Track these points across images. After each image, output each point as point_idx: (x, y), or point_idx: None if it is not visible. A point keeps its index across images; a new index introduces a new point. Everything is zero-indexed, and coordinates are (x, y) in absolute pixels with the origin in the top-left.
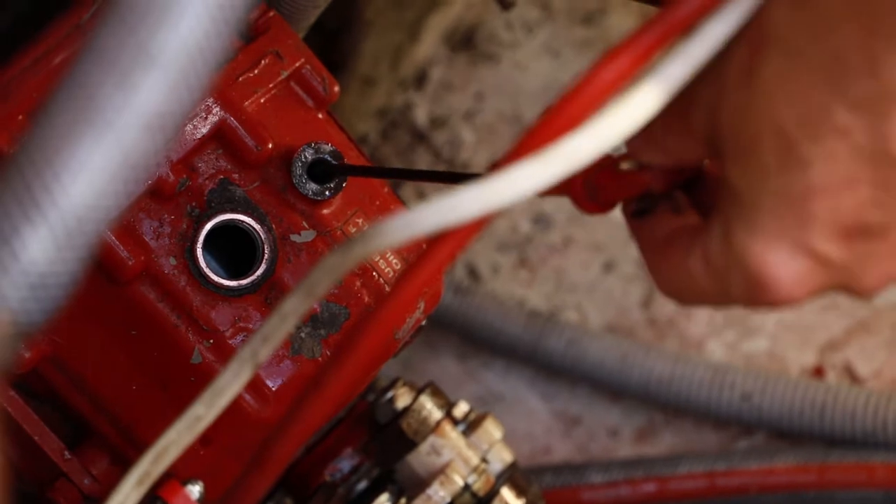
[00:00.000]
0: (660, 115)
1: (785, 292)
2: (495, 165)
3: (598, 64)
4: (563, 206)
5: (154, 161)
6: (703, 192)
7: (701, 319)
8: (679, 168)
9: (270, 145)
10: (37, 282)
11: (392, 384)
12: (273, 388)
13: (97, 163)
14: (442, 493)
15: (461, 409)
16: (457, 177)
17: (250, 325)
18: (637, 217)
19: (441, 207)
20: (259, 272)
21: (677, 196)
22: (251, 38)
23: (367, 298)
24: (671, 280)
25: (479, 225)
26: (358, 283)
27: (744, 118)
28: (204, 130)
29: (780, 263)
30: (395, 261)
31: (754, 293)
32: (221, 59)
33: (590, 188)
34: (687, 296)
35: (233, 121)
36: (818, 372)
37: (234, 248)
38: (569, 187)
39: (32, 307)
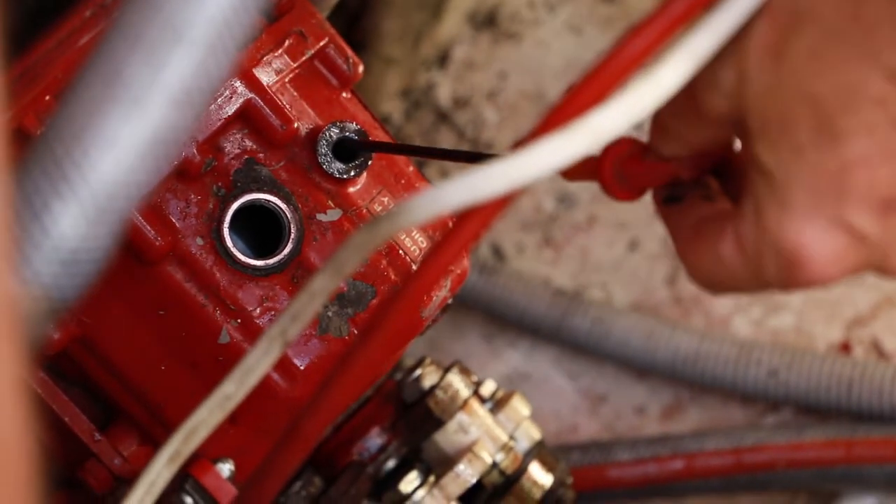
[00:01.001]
0: (669, 107)
1: (819, 270)
2: (520, 143)
3: (622, 40)
4: (587, 185)
5: (182, 137)
6: (732, 177)
7: (727, 298)
8: (704, 155)
9: (296, 125)
10: (68, 258)
11: (419, 363)
12: (301, 367)
13: (126, 139)
14: (470, 471)
15: (488, 387)
16: (482, 156)
17: (277, 305)
18: (667, 204)
19: (467, 184)
20: (285, 252)
21: (707, 182)
22: (275, 17)
23: (393, 277)
24: (703, 268)
25: (505, 202)
26: (384, 262)
27: (774, 97)
28: (229, 110)
29: (816, 240)
30: (420, 239)
31: (789, 273)
32: (247, 36)
33: (619, 175)
34: (719, 283)
35: (258, 100)
36: (845, 347)
37: (260, 228)
38: (598, 173)
39: (64, 283)
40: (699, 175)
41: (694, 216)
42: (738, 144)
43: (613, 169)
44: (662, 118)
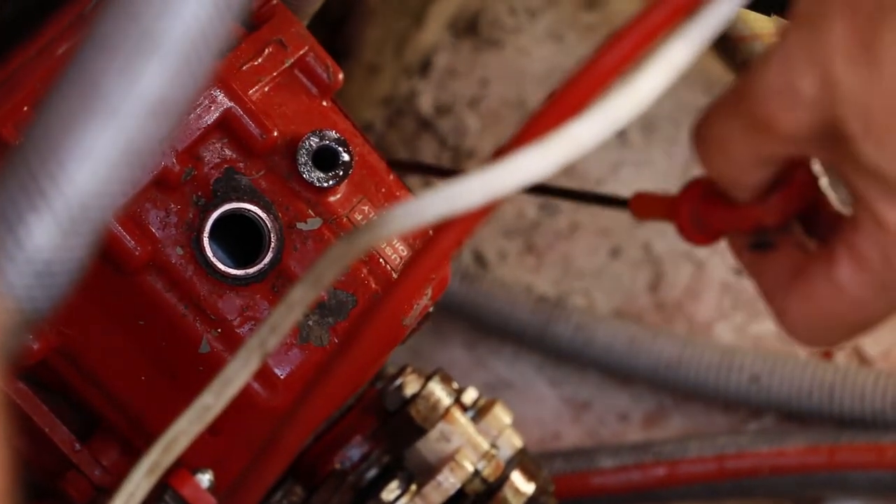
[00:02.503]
0: (734, 146)
1: None
2: (499, 152)
3: (601, 48)
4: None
5: (159, 148)
6: (821, 221)
7: (709, 303)
8: (790, 198)
9: (275, 134)
10: (42, 269)
11: (400, 371)
12: (282, 377)
13: (101, 150)
14: (452, 480)
15: (470, 395)
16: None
17: (258, 314)
18: (755, 251)
19: (446, 195)
20: (266, 261)
21: (793, 228)
22: (254, 26)
23: (374, 285)
24: (810, 316)
25: (485, 212)
26: (365, 271)
27: (873, 93)
28: (208, 120)
29: None
30: (401, 247)
31: None
32: (225, 46)
33: (696, 219)
34: (833, 328)
35: (237, 109)
36: (827, 354)
37: (240, 237)
38: (675, 215)
39: (38, 295)
40: (785, 220)
41: (788, 263)
42: (817, 166)
43: (690, 213)
44: (726, 159)
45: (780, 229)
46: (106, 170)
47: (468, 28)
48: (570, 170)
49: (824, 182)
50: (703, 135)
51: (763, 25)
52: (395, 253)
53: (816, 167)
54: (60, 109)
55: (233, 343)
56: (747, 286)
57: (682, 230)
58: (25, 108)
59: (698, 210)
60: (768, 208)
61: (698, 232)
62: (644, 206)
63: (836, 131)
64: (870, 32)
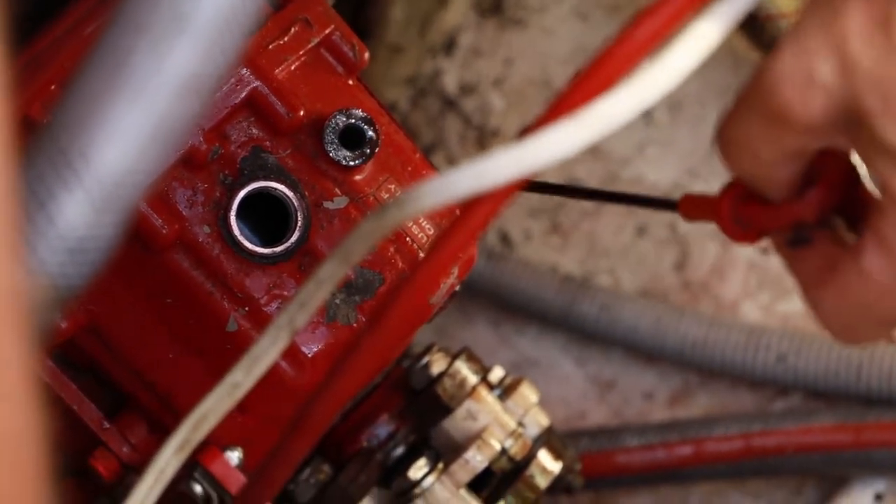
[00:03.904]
0: (755, 144)
1: None
2: (527, 130)
3: (629, 25)
4: (594, 171)
5: (188, 126)
6: (859, 213)
7: (735, 282)
8: (828, 190)
9: (302, 112)
10: (75, 246)
11: (427, 350)
12: (309, 355)
13: (132, 127)
14: (479, 458)
15: (496, 374)
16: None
17: (285, 293)
18: (793, 247)
19: (474, 172)
20: (293, 239)
21: (834, 222)
22: (280, 5)
23: (401, 264)
24: (840, 309)
25: (513, 189)
26: (392, 249)
27: (890, 69)
28: (235, 99)
29: None
30: (428, 226)
31: None
32: (254, 24)
33: (739, 219)
34: (864, 320)
35: (264, 88)
36: None
37: (267, 216)
38: (716, 215)
39: (71, 271)
40: (824, 214)
41: (824, 256)
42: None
43: (731, 211)
44: (751, 160)
45: (820, 224)
46: (136, 147)
47: (493, 7)
48: (595, 149)
49: (864, 172)
50: (724, 138)
51: (789, 4)
52: (422, 232)
53: (854, 158)
54: (90, 87)
55: (260, 321)
56: (774, 265)
57: (725, 230)
58: (53, 88)
59: (739, 210)
60: (805, 204)
61: (741, 231)
62: (692, 208)
63: (855, 114)
64: (886, 11)
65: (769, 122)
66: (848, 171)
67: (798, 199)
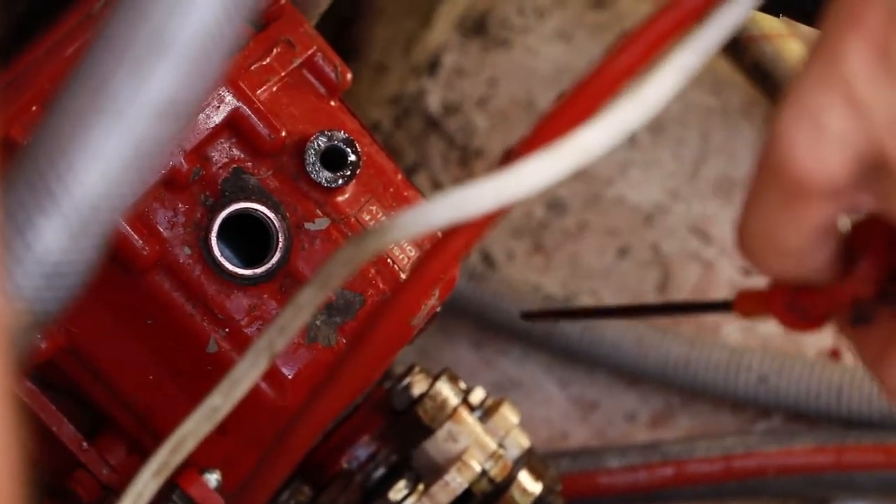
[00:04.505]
0: (775, 237)
1: None
2: (509, 154)
3: (611, 52)
4: (577, 191)
5: (168, 149)
6: None
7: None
8: (880, 260)
9: (283, 133)
10: (51, 271)
11: (408, 371)
12: (289, 377)
13: (110, 151)
14: (459, 480)
15: (477, 395)
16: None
17: (265, 314)
18: (856, 326)
19: (455, 201)
20: (274, 260)
21: (895, 294)
22: (262, 26)
23: (382, 286)
24: None
25: (495, 217)
26: (373, 271)
27: None
28: (217, 119)
29: None
30: (409, 248)
31: None
32: (234, 47)
33: (795, 307)
34: None
35: (245, 109)
36: (834, 354)
37: (248, 237)
38: (769, 308)
39: (47, 296)
40: (880, 287)
41: (886, 332)
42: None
43: (786, 303)
44: (781, 254)
45: (880, 299)
46: (115, 171)
47: (476, 27)
48: (579, 171)
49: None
50: (746, 237)
51: (772, 26)
52: (403, 253)
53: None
54: (70, 110)
55: (240, 343)
56: (755, 286)
57: (783, 323)
58: (34, 108)
59: (793, 300)
60: (857, 280)
61: (802, 321)
62: (747, 305)
63: (877, 163)
64: (885, 41)
65: (788, 201)
66: (890, 233)
67: (848, 276)
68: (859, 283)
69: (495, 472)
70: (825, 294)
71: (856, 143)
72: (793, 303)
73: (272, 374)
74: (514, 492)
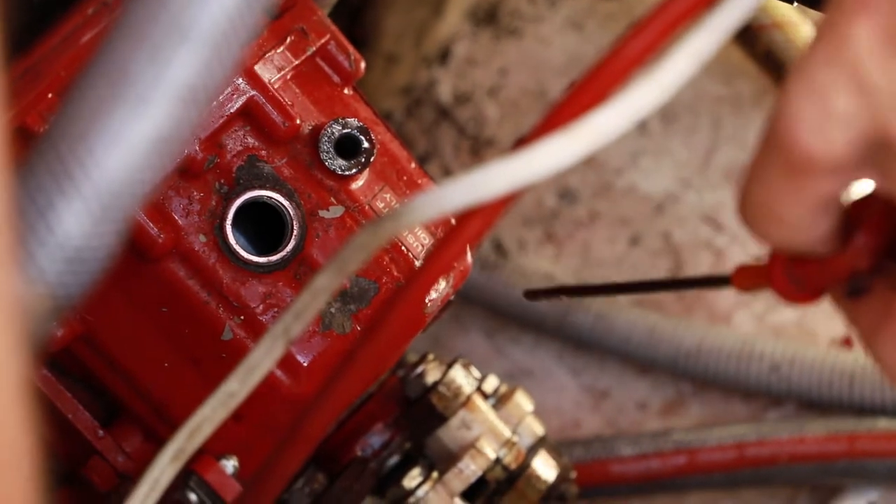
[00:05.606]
0: (778, 207)
1: None
2: (521, 141)
3: (623, 38)
4: (588, 181)
5: (187, 135)
6: None
7: (729, 292)
8: (878, 233)
9: (298, 122)
10: (73, 255)
11: (422, 359)
12: (304, 364)
13: (130, 136)
14: (473, 467)
15: (491, 383)
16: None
17: (280, 301)
18: (851, 297)
19: (469, 184)
20: (288, 248)
21: (890, 268)
22: (277, 14)
23: (396, 273)
24: None
25: (508, 201)
26: (387, 259)
27: None
28: (231, 108)
29: None
30: (423, 235)
31: None
32: (252, 34)
33: (793, 279)
34: None
35: (260, 97)
36: (847, 342)
37: (262, 225)
38: (769, 280)
39: (69, 280)
40: (877, 259)
41: (881, 305)
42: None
43: (785, 274)
44: (782, 225)
45: (876, 271)
46: (135, 156)
47: (488, 17)
48: (588, 159)
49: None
50: (748, 207)
51: (784, 13)
52: (417, 241)
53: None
54: (89, 96)
55: (255, 330)
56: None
57: (781, 295)
58: (50, 96)
59: (792, 272)
60: (854, 252)
61: (799, 293)
62: (745, 278)
63: (880, 143)
64: (892, 23)
65: (791, 174)
66: (890, 209)
67: (846, 248)
68: (856, 255)
69: (509, 459)
70: (823, 265)
71: (860, 122)
72: (791, 273)
73: (287, 362)
74: (528, 479)
